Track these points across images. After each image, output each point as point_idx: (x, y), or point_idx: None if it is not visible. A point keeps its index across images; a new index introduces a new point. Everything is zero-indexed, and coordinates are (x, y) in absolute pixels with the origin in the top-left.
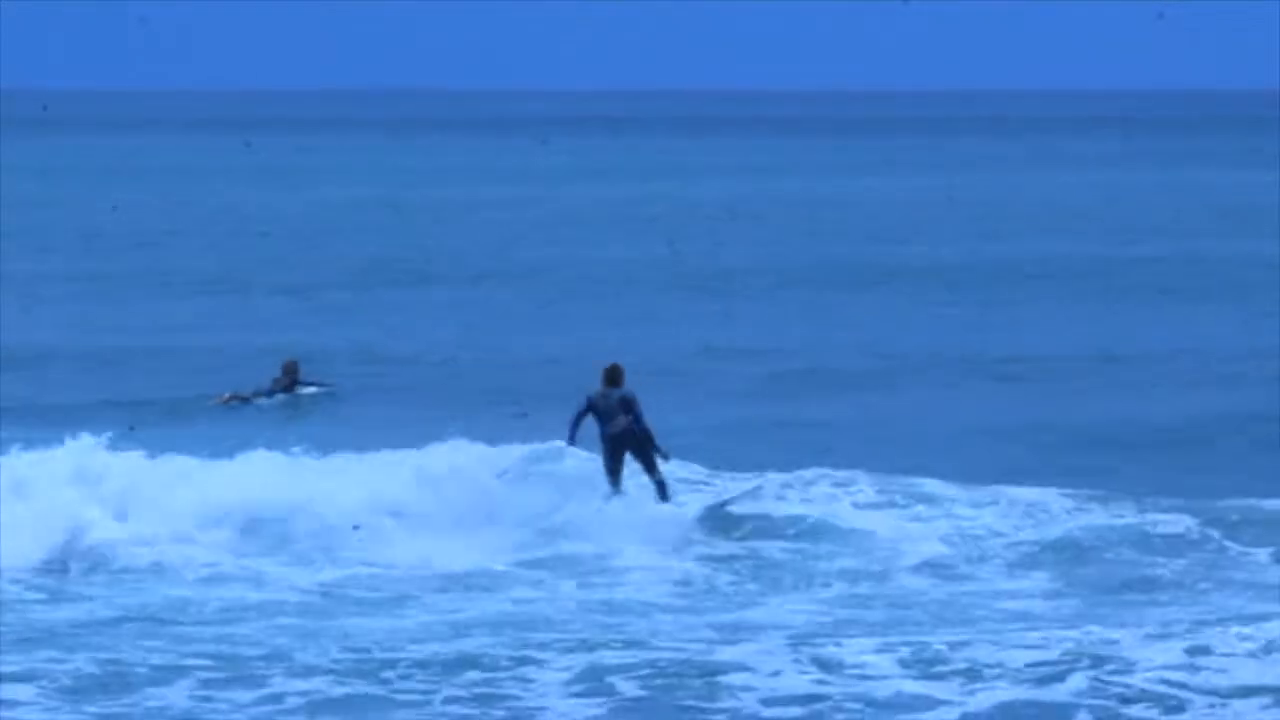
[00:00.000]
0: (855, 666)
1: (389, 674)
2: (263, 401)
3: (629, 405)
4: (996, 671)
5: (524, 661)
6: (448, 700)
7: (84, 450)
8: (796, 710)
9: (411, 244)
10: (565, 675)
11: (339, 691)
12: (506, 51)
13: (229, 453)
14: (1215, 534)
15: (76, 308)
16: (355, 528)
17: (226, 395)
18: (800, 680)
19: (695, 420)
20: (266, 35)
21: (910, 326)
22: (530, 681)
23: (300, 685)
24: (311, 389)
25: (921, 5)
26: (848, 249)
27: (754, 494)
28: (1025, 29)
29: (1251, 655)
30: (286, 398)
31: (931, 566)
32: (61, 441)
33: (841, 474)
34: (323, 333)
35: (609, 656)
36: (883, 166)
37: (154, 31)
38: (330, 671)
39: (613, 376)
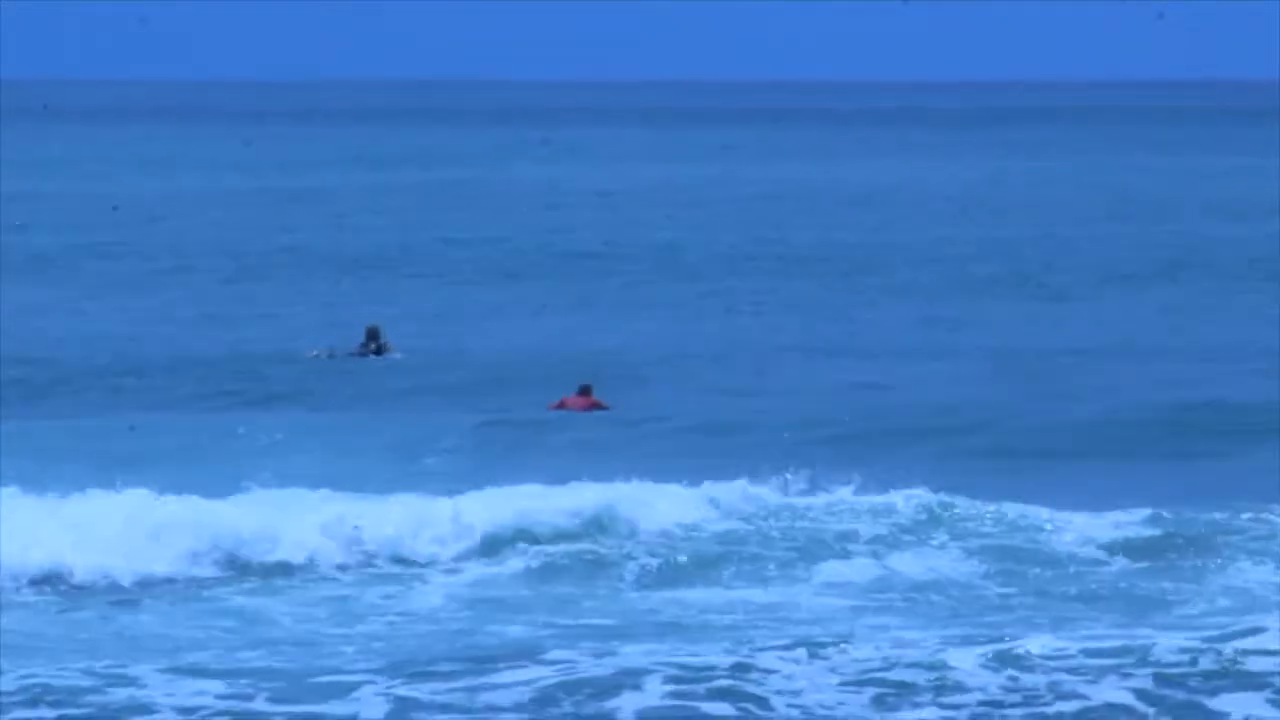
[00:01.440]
0: None
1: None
2: (344, 359)
3: None
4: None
5: None
6: None
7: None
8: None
9: (420, 235)
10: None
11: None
12: (504, 45)
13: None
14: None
15: (95, 296)
16: (355, 528)
17: (321, 350)
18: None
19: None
20: (265, 33)
21: (917, 319)
22: None
23: None
24: (398, 354)
25: (921, 5)
26: (848, 238)
27: None
28: (1024, 28)
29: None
30: (373, 360)
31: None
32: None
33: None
34: (358, 315)
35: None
36: (881, 156)
37: (154, 29)
38: None
39: None
